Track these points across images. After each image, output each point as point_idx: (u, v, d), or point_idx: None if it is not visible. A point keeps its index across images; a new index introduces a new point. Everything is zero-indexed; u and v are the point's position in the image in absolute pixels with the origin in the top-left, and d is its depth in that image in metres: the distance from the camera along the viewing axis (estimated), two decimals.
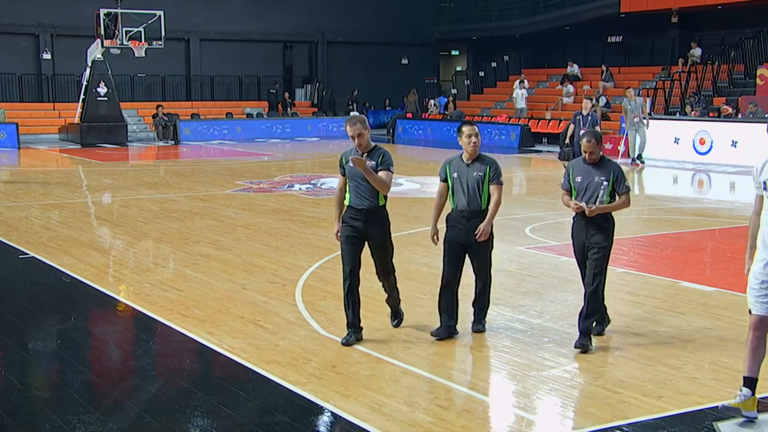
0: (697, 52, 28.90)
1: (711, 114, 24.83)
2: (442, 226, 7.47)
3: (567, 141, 18.11)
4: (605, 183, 7.07)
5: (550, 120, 29.85)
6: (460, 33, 39.91)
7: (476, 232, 7.15)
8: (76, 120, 30.97)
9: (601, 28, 32.56)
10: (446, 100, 36.39)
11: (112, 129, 30.60)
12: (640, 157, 22.43)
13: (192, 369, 6.93)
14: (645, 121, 22.50)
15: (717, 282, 9.54)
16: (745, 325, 7.71)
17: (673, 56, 30.34)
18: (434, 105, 35.75)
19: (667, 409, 5.77)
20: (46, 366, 7.11)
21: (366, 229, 7.11)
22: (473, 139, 7.18)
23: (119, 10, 29.67)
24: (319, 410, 5.83)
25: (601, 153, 7.21)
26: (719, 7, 28.78)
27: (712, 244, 12.31)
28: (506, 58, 37.33)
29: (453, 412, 5.74)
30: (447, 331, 7.30)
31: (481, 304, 7.49)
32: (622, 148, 23.19)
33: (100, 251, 11.42)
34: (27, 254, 11.01)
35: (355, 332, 7.18)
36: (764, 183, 5.51)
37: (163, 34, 30.35)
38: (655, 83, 28.53)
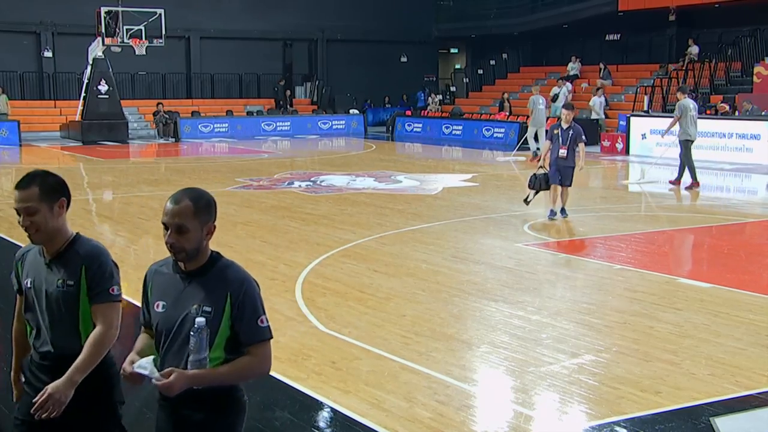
0: (694, 49, 28.93)
1: (708, 111, 24.88)
2: None
3: (541, 164, 13.41)
4: (202, 317, 3.22)
5: (548, 118, 29.85)
6: (459, 31, 39.94)
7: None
8: (77, 117, 31.00)
9: (599, 26, 32.59)
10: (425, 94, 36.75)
11: (113, 126, 30.64)
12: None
13: None
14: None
15: (714, 278, 9.60)
16: (744, 321, 7.82)
17: (671, 54, 30.39)
18: (432, 102, 35.79)
19: (664, 405, 5.82)
20: None
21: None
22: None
23: (120, 9, 29.72)
24: (319, 406, 5.88)
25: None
26: (716, 5, 28.84)
27: (709, 241, 12.36)
28: (505, 56, 37.39)
29: (451, 407, 5.78)
30: None
31: None
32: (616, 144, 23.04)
33: None
34: None
35: None
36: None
37: (163, 32, 30.41)
38: (653, 81, 28.59)
